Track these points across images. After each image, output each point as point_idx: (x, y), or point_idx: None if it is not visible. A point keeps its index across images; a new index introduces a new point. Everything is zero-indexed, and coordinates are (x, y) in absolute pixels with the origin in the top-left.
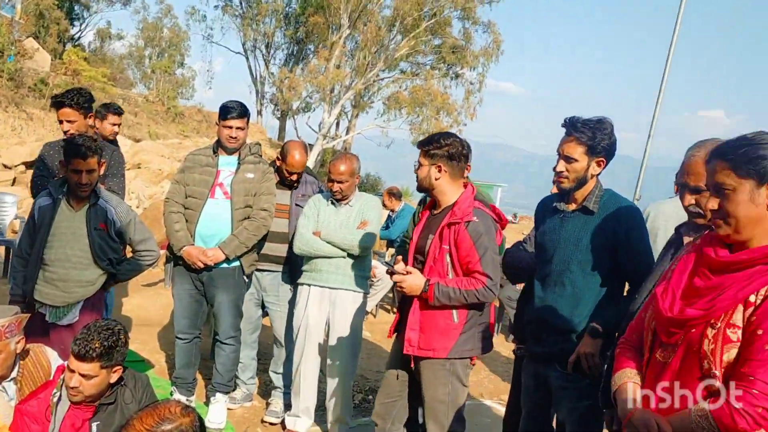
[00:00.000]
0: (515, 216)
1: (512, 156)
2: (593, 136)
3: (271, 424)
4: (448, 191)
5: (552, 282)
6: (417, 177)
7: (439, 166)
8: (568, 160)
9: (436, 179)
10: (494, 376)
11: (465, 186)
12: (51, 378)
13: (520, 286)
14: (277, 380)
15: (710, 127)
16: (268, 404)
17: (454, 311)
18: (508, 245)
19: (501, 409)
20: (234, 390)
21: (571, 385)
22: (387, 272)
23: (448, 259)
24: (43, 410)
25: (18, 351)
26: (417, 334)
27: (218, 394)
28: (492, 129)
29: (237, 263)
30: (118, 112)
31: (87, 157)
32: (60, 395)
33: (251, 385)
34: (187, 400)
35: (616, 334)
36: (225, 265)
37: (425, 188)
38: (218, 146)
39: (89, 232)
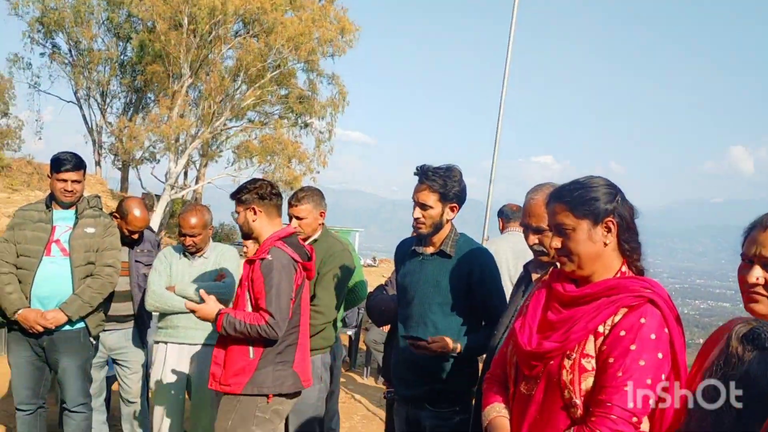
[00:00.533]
0: (374, 259)
1: (366, 201)
2: (444, 184)
3: None
4: (266, 231)
5: (414, 323)
6: (239, 227)
7: (253, 208)
8: (424, 207)
9: (253, 221)
10: (367, 420)
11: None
12: None
13: (386, 329)
14: None
15: (543, 171)
16: None
17: (251, 347)
18: (371, 288)
19: None
20: None
21: (444, 423)
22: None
23: (248, 294)
24: None
25: None
26: (219, 369)
27: None
28: (345, 176)
29: (82, 325)
30: None
31: None
32: None
33: None
34: None
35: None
36: (68, 327)
37: (247, 234)
38: (51, 200)
39: None
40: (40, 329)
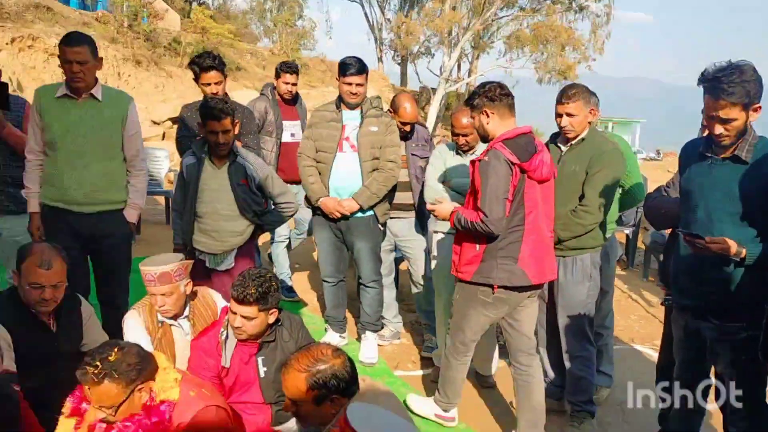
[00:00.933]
0: (658, 152)
1: (649, 90)
2: (745, 92)
3: (426, 358)
4: (499, 132)
5: (699, 231)
6: (476, 131)
7: (485, 111)
8: (726, 122)
9: (486, 124)
10: (645, 321)
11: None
12: (218, 318)
13: (667, 232)
14: (423, 318)
15: None
16: (424, 340)
17: (476, 242)
18: (654, 183)
19: (653, 354)
20: (382, 329)
21: (727, 339)
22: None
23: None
24: (214, 346)
25: (187, 293)
26: (456, 258)
27: (368, 332)
28: (624, 63)
29: (371, 213)
30: (292, 70)
31: (221, 119)
32: (227, 333)
33: (397, 323)
34: (340, 336)
35: None
36: (360, 214)
37: (483, 137)
38: (340, 102)
39: (233, 187)
40: (338, 215)
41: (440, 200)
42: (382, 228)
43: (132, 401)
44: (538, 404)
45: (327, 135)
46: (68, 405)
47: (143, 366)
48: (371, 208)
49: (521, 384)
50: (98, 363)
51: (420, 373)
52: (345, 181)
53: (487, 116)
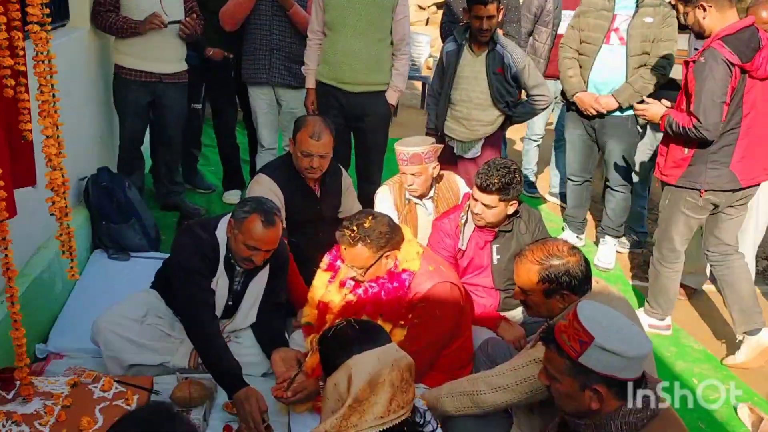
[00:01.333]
0: None
1: None
2: None
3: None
4: (718, 28)
5: None
6: (689, 28)
7: (702, 5)
8: None
9: (702, 19)
10: None
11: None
12: (459, 202)
13: None
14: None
15: None
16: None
17: (685, 146)
18: None
19: None
20: (624, 236)
21: None
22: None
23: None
24: (453, 228)
25: (434, 175)
26: (662, 160)
27: (607, 237)
28: None
29: (630, 112)
30: None
31: (486, 3)
32: (466, 218)
33: (642, 233)
34: (577, 237)
35: None
36: (618, 113)
37: (699, 34)
38: None
39: (488, 75)
40: (593, 112)
41: (649, 101)
42: (640, 130)
43: (379, 265)
44: (744, 292)
45: (594, 25)
46: (326, 260)
47: (392, 235)
48: (630, 107)
49: (721, 276)
50: (354, 227)
51: None
52: (606, 77)
53: (704, 10)
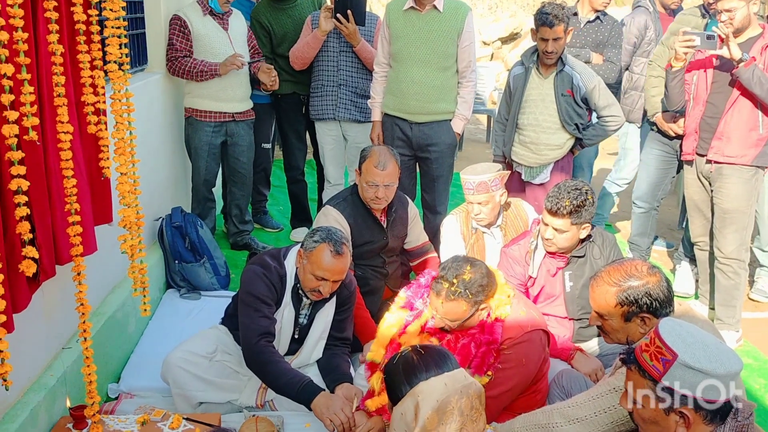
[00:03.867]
0: None
1: None
2: None
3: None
4: None
5: None
6: None
7: None
8: None
9: None
10: None
11: None
12: (528, 228)
13: None
14: (763, 258)
15: None
16: (753, 281)
17: (761, 121)
18: None
19: None
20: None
21: None
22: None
23: None
24: (523, 254)
25: (501, 203)
26: (722, 143)
27: (683, 263)
28: None
29: None
30: None
31: (553, 26)
32: (536, 244)
33: None
34: None
35: None
36: None
37: None
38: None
39: (556, 97)
40: (673, 134)
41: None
42: None
43: (473, 318)
44: None
45: None
46: (402, 296)
47: (489, 285)
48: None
49: None
50: (454, 281)
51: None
52: None
53: None
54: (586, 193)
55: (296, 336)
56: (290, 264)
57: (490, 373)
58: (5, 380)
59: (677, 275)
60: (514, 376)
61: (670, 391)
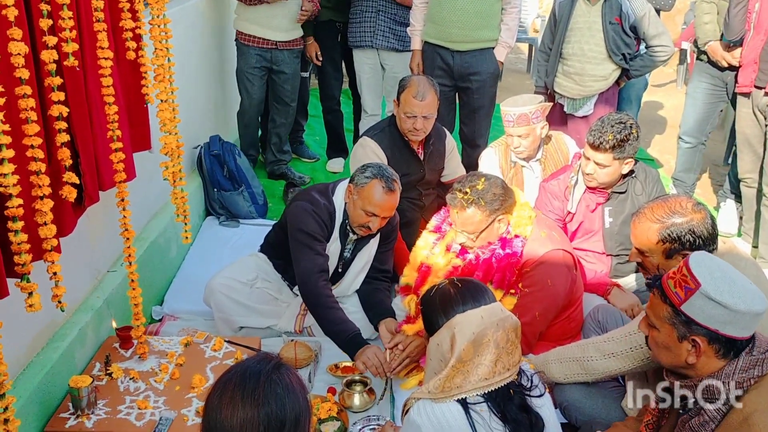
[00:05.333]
0: None
1: None
2: None
3: None
4: None
5: None
6: None
7: None
8: None
9: None
10: None
11: None
12: (569, 163)
13: None
14: None
15: None
16: None
17: None
18: None
19: None
20: None
21: None
22: None
23: None
24: (562, 189)
25: (542, 136)
26: None
27: (729, 201)
28: None
29: None
30: None
31: None
32: (577, 179)
33: None
34: None
35: None
36: None
37: None
38: None
39: (604, 26)
40: (725, 64)
41: None
42: None
43: (491, 230)
44: None
45: None
46: (433, 221)
47: (505, 198)
48: None
49: None
50: (467, 189)
51: None
52: None
53: None
54: (631, 127)
55: (339, 270)
56: (339, 200)
57: (513, 291)
58: (60, 302)
59: (721, 213)
60: (542, 299)
61: (686, 318)
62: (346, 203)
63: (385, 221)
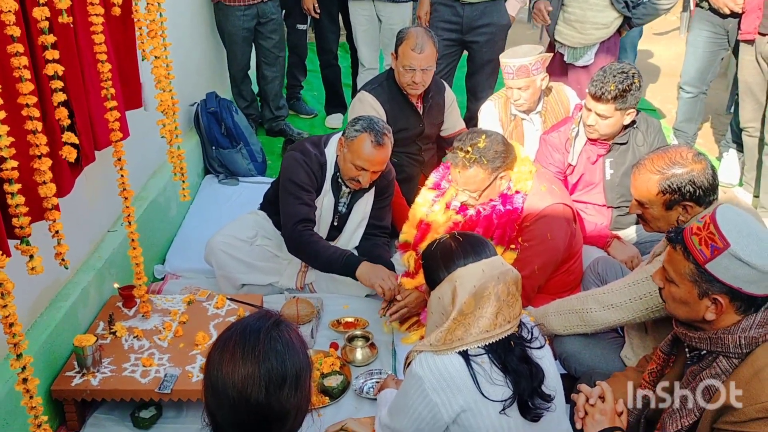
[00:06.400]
0: None
1: None
2: None
3: None
4: None
5: None
6: None
7: None
8: None
9: None
10: None
11: None
12: (570, 114)
13: None
14: None
15: None
16: None
17: None
18: None
19: None
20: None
21: None
22: None
23: None
24: (563, 142)
25: (542, 88)
26: None
27: (731, 150)
28: None
29: None
30: None
31: None
32: (577, 131)
33: None
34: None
35: None
36: None
37: None
38: None
39: None
40: (728, 11)
41: None
42: None
43: (492, 187)
44: None
45: None
46: (432, 178)
47: (507, 154)
48: None
49: None
50: (469, 148)
51: None
52: None
53: None
54: (633, 76)
55: (335, 224)
56: (331, 152)
57: (513, 246)
58: (63, 260)
59: (723, 163)
60: (541, 253)
61: (711, 277)
62: (337, 156)
63: (375, 176)
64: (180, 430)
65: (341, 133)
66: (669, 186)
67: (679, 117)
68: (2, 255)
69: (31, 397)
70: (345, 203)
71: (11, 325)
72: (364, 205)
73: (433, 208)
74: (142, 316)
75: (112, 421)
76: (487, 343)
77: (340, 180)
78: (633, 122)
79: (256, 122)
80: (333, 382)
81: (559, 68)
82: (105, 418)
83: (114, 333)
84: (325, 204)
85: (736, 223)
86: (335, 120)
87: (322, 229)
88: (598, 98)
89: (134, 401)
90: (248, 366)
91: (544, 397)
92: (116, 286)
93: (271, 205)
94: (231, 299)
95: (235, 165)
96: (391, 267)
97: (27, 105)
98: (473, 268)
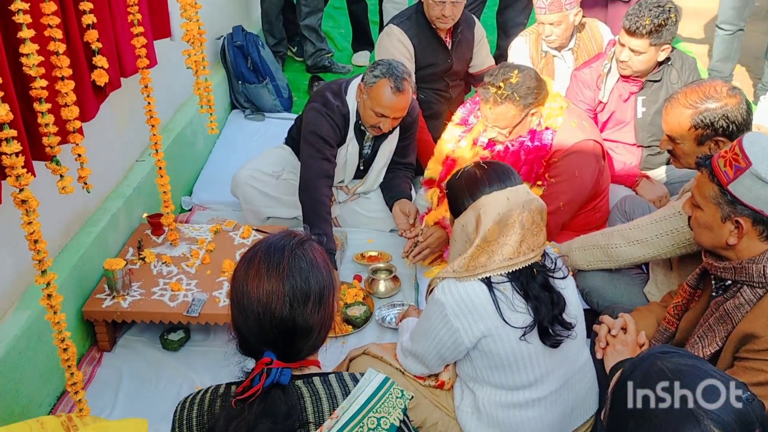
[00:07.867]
0: None
1: None
2: None
3: None
4: None
5: None
6: None
7: None
8: None
9: None
10: None
11: None
12: (603, 50)
13: None
14: None
15: None
16: None
17: None
18: None
19: None
20: None
21: None
22: None
23: None
24: (594, 78)
25: (575, 23)
26: None
27: (767, 94)
28: None
29: None
30: None
31: None
32: (610, 67)
33: None
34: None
35: None
36: None
37: None
38: None
39: None
40: None
41: None
42: None
43: (523, 124)
44: None
45: None
46: (459, 113)
47: (540, 90)
48: None
49: None
50: (501, 84)
51: None
52: None
53: None
54: (669, 10)
55: (361, 167)
56: (352, 100)
57: (540, 183)
58: (86, 183)
59: (759, 107)
60: (568, 189)
61: (732, 198)
62: (357, 102)
63: (396, 122)
64: (208, 353)
65: (360, 77)
66: (701, 121)
67: (715, 56)
68: (27, 173)
69: (55, 313)
70: (370, 146)
71: (36, 241)
72: (389, 146)
73: (459, 144)
74: (170, 243)
75: (142, 343)
76: (510, 271)
77: (362, 127)
78: (667, 59)
79: (283, 59)
80: (356, 311)
81: (596, 2)
82: (135, 340)
83: (143, 259)
84: (350, 151)
85: (762, 145)
86: (362, 57)
87: (348, 171)
88: (632, 33)
89: (163, 324)
90: (272, 282)
91: (565, 325)
92: (144, 214)
93: (295, 140)
94: (257, 230)
95: (261, 100)
96: (407, 195)
97: (49, 26)
98: (498, 195)
